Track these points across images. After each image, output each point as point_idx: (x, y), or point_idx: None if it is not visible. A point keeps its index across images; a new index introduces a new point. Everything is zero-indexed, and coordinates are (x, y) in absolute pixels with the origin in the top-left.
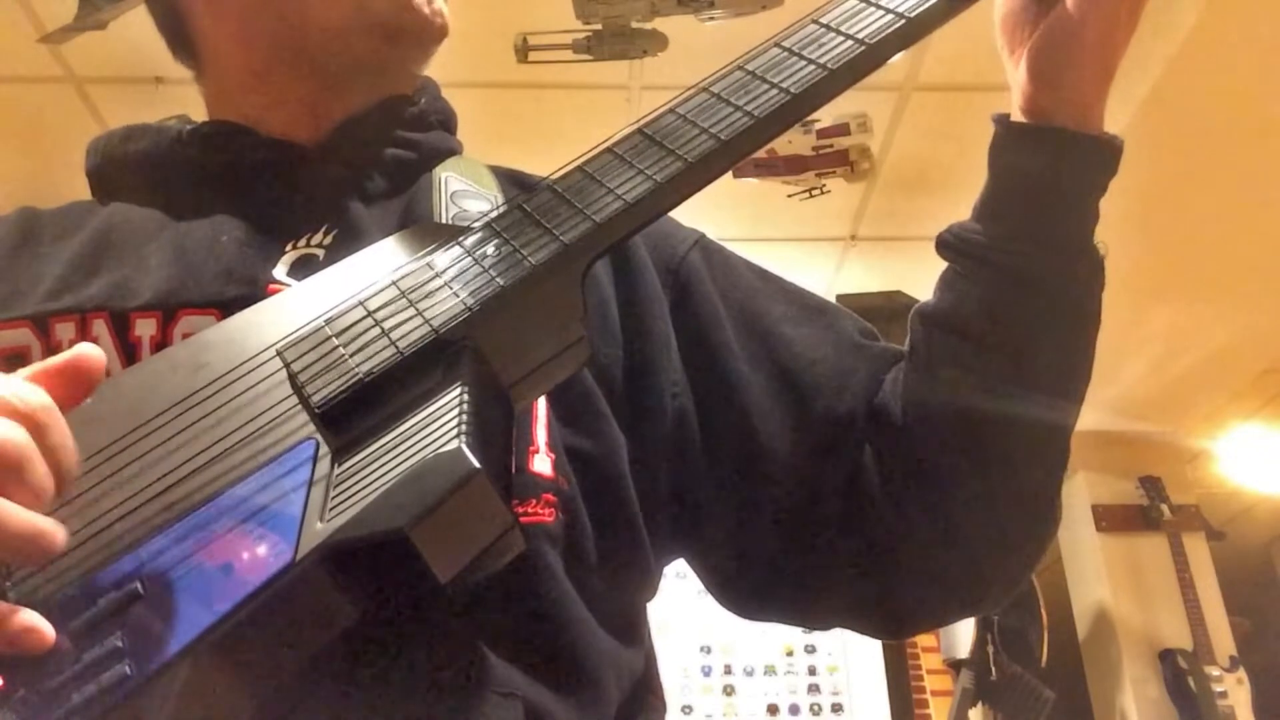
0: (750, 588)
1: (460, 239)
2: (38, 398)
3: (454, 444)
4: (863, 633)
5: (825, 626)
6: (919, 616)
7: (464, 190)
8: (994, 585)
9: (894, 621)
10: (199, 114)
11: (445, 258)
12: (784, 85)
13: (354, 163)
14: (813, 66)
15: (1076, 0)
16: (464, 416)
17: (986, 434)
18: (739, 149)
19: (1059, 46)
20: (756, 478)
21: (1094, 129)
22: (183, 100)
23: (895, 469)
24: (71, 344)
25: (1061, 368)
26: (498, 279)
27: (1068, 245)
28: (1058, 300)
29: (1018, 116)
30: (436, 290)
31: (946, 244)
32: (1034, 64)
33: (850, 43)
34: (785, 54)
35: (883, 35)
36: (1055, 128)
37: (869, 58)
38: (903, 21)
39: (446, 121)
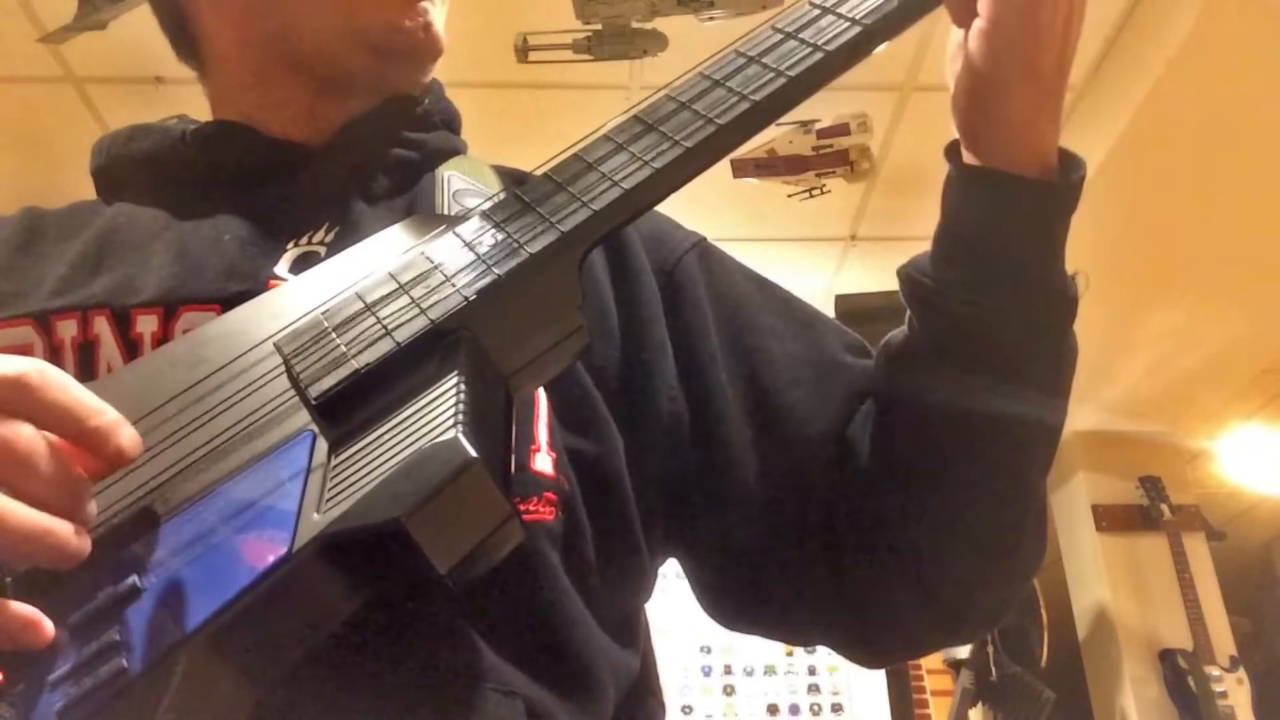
0: (733, 599)
1: (457, 229)
2: (24, 363)
3: (450, 433)
4: (842, 655)
5: (806, 644)
6: (890, 648)
7: (467, 189)
8: (963, 624)
9: (865, 650)
10: (199, 114)
11: (442, 248)
12: (781, 68)
13: (357, 162)
14: (809, 48)
15: (980, 39)
16: (460, 405)
17: (936, 472)
18: (736, 133)
19: (977, 84)
20: (730, 491)
21: (1038, 168)
22: (183, 100)
23: (856, 501)
24: (74, 341)
25: (1019, 409)
26: (494, 268)
27: (1013, 290)
28: (1007, 345)
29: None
30: (433, 280)
31: (901, 281)
32: (958, 100)
33: (847, 23)
34: (781, 36)
35: (880, 15)
36: (996, 172)
37: (867, 38)
38: (898, 1)
39: (450, 121)
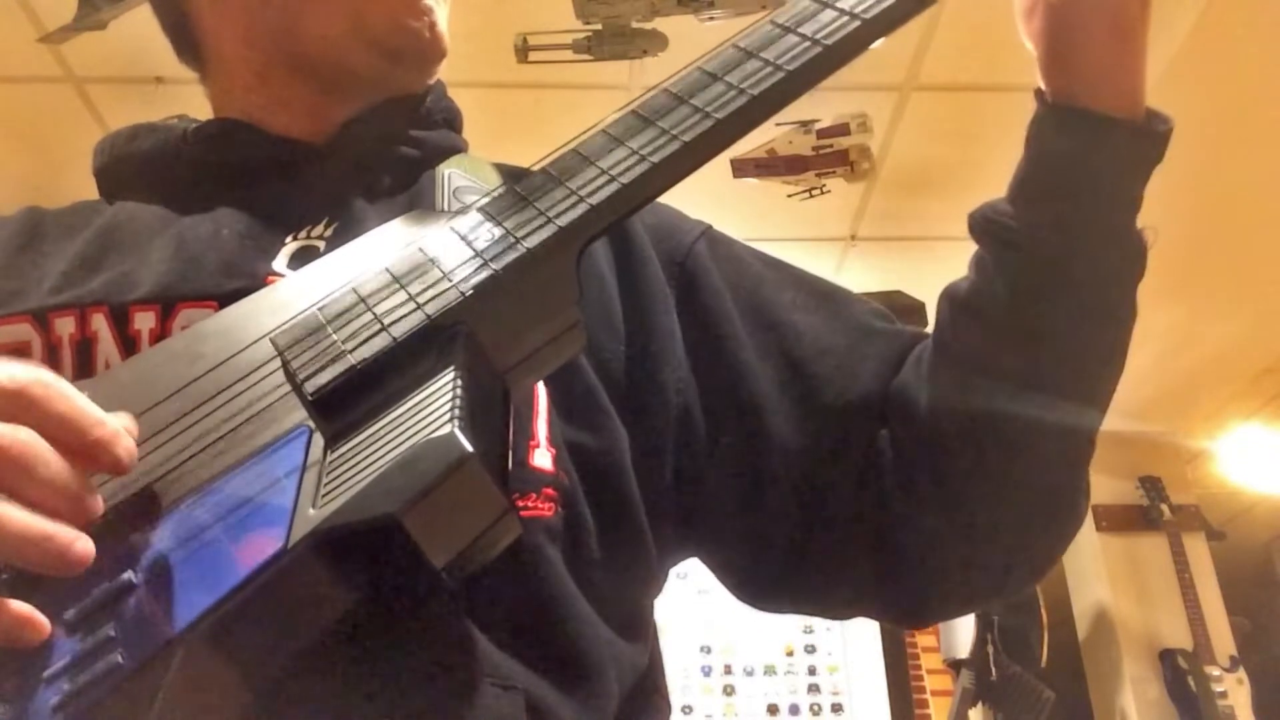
0: (765, 579)
1: (454, 224)
2: (27, 373)
3: (446, 428)
4: (878, 619)
5: (841, 616)
6: (933, 605)
7: (467, 186)
8: (1009, 579)
9: (908, 609)
10: (199, 114)
11: (439, 243)
12: (779, 62)
13: (359, 160)
14: (807, 42)
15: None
16: (457, 401)
17: (1000, 426)
18: (734, 127)
19: (1061, 24)
20: (766, 469)
21: (1125, 110)
22: (183, 100)
23: (910, 457)
24: (71, 338)
25: (1084, 362)
26: (491, 263)
27: (1097, 233)
28: (1084, 291)
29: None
30: (430, 276)
31: (976, 223)
32: (1041, 41)
33: (846, 17)
34: (780, 31)
35: (879, 9)
36: (1080, 109)
37: (865, 31)
38: None
39: (452, 120)
